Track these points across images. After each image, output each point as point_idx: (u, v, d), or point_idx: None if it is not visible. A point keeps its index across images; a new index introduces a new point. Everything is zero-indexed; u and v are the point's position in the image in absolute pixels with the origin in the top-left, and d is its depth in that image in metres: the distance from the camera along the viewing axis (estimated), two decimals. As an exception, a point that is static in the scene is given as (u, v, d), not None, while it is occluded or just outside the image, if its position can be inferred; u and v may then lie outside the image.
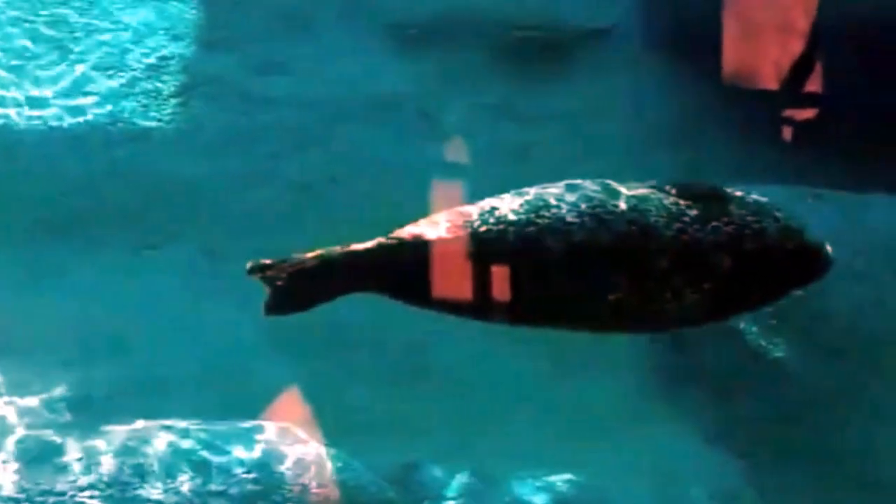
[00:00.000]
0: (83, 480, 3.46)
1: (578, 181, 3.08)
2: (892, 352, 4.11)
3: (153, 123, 4.63)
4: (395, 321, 4.00)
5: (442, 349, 4.08)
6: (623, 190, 3.04)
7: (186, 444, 3.55)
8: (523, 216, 2.96)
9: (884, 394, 4.04)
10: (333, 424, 3.74)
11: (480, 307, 3.00)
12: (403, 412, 3.88)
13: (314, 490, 3.57)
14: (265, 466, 3.57)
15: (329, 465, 3.64)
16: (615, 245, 2.92)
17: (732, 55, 4.80)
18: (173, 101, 4.68)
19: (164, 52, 4.80)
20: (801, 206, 4.21)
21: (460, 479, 3.72)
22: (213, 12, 4.94)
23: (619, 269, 2.93)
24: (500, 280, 2.96)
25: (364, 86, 4.76)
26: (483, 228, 2.96)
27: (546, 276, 2.94)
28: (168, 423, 3.62)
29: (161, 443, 3.55)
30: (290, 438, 3.65)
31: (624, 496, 3.77)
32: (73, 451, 3.54)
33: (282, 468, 3.58)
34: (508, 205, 2.99)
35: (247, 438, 3.62)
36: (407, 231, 3.03)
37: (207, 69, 4.78)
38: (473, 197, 4.37)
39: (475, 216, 2.99)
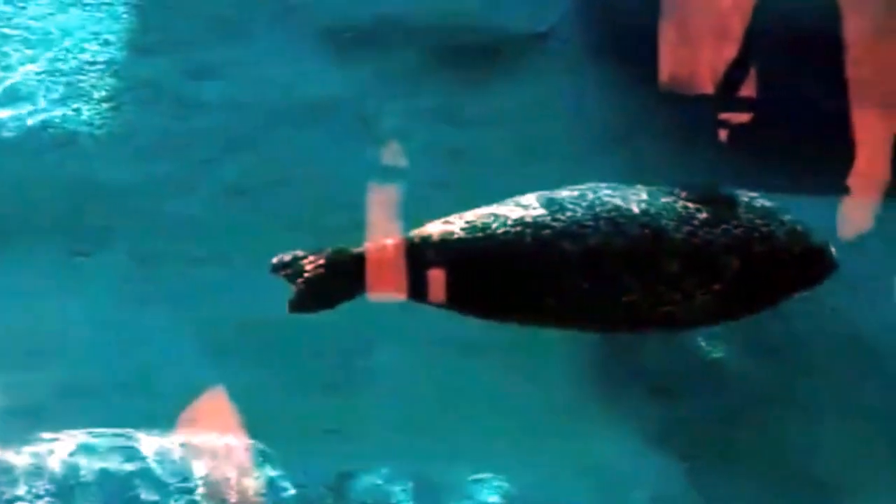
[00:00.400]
0: (8, 493, 3.38)
1: (593, 184, 3.15)
2: (830, 351, 4.14)
3: (84, 128, 4.55)
4: (335, 326, 3.96)
5: (383, 354, 4.03)
6: (635, 194, 3.10)
7: (116, 454, 3.47)
8: (540, 219, 2.99)
9: (823, 393, 4.07)
10: (271, 431, 3.69)
11: (497, 308, 3.05)
12: (343, 418, 3.84)
13: (251, 499, 3.51)
14: (199, 476, 3.51)
15: (267, 473, 3.58)
16: (628, 248, 2.97)
17: (670, 59, 4.82)
18: (105, 105, 4.61)
19: (96, 56, 4.73)
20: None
21: (400, 486, 3.68)
22: (145, 16, 4.87)
23: (631, 271, 2.97)
24: (517, 282, 2.99)
25: (300, 90, 4.71)
26: (501, 230, 2.99)
27: (561, 279, 2.97)
28: (97, 432, 3.54)
29: (90, 453, 3.48)
30: (227, 447, 3.59)
31: (565, 499, 3.75)
32: (-2, 462, 3.45)
33: (217, 477, 3.51)
34: (525, 207, 3.02)
35: (180, 448, 3.55)
36: (425, 231, 3.07)
37: (140, 73, 4.71)
38: (411, 201, 4.39)
39: (493, 218, 3.03)
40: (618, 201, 3.05)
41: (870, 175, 4.56)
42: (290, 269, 3.03)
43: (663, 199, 3.07)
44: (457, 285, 3.01)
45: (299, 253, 3.10)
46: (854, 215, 4.38)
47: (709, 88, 4.79)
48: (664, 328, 3.16)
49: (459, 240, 3.01)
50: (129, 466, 3.45)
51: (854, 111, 4.67)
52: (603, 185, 3.15)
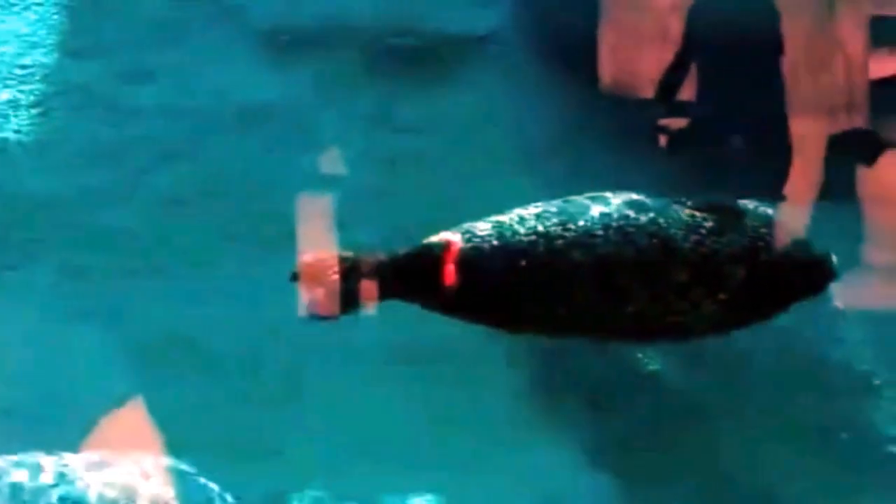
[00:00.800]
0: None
1: (601, 194, 3.21)
2: (767, 363, 4.16)
3: (12, 136, 4.45)
4: (268, 343, 3.92)
5: (320, 369, 3.99)
6: (643, 203, 3.17)
7: (44, 477, 3.40)
8: (552, 228, 3.04)
9: (762, 406, 4.09)
10: (202, 451, 3.63)
11: (508, 318, 3.12)
12: (275, 437, 3.80)
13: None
14: (129, 498, 3.45)
15: (196, 494, 3.53)
16: (637, 258, 3.02)
17: (610, 63, 4.81)
18: (33, 111, 4.51)
19: (25, 59, 4.62)
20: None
21: (338, 505, 3.67)
22: (76, 18, 4.77)
23: (640, 281, 3.03)
24: (529, 292, 3.04)
25: (236, 95, 4.64)
26: (515, 239, 3.04)
27: (572, 289, 3.02)
28: (25, 456, 3.47)
29: (16, 476, 3.40)
30: (156, 467, 3.53)
31: (503, 515, 3.75)
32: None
33: (146, 498, 3.46)
34: (536, 217, 3.07)
35: (109, 469, 3.49)
36: (441, 239, 3.14)
37: (70, 78, 4.61)
38: (348, 208, 4.34)
39: (507, 227, 3.08)
40: (626, 210, 3.05)
41: (806, 180, 4.58)
42: (311, 274, 3.05)
43: (670, 209, 3.08)
44: (469, 295, 3.05)
45: (321, 256, 3.11)
46: (790, 220, 4.40)
47: (649, 92, 4.80)
48: (671, 338, 3.24)
49: (474, 248, 3.02)
50: (58, 490, 3.38)
51: (791, 115, 4.69)
52: (610, 194, 3.19)
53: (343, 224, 4.23)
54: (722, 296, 3.06)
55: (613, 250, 3.01)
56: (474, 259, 3.00)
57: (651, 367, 4.12)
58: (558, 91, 4.79)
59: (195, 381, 3.89)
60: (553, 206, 3.11)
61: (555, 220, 3.06)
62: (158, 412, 3.66)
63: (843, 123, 4.74)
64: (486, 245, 3.02)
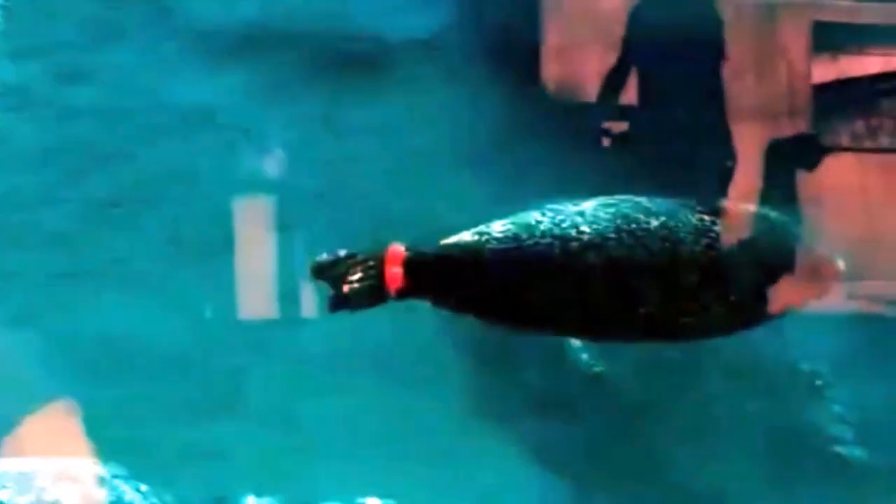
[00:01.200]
0: None
1: (612, 198, 3.23)
2: (715, 366, 4.16)
3: (-55, 137, 4.37)
4: (208, 348, 3.87)
5: (259, 373, 3.95)
6: (653, 207, 3.18)
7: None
8: (567, 231, 3.07)
9: (711, 407, 4.09)
10: (140, 457, 3.57)
11: (524, 318, 3.11)
12: (216, 442, 3.74)
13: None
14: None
15: (136, 500, 3.48)
16: (649, 261, 3.05)
17: (553, 67, 4.81)
18: (-31, 112, 4.43)
19: (-41, 60, 4.54)
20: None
21: (274, 510, 3.62)
22: (13, 17, 4.68)
23: (652, 283, 3.06)
24: (545, 293, 3.06)
25: (176, 97, 4.57)
26: (531, 242, 3.06)
27: (586, 290, 3.05)
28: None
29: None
30: (92, 474, 3.47)
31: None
32: None
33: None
34: (551, 220, 3.10)
35: (40, 477, 3.42)
36: (457, 241, 3.14)
37: (7, 78, 4.53)
38: (289, 211, 4.30)
39: (522, 229, 3.09)
40: (637, 214, 3.13)
41: (747, 182, 4.60)
42: (332, 271, 3.07)
43: (680, 213, 3.14)
44: (486, 294, 3.08)
45: (340, 254, 3.11)
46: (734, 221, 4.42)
47: (592, 95, 4.80)
48: (680, 339, 3.26)
49: (492, 250, 3.06)
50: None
51: (734, 119, 4.71)
52: (621, 197, 3.24)
53: (284, 227, 4.19)
54: (731, 298, 3.08)
55: (626, 253, 3.04)
56: (489, 260, 3.04)
57: (597, 370, 4.11)
58: (501, 94, 4.78)
59: (133, 384, 3.83)
60: (568, 207, 3.18)
61: (568, 222, 3.10)
62: (94, 416, 3.60)
63: (786, 127, 4.77)
64: (504, 246, 3.05)
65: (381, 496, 3.73)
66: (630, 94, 4.77)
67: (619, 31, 4.78)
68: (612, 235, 3.06)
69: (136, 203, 4.32)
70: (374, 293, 3.08)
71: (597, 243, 3.05)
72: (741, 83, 4.75)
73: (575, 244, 3.05)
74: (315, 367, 3.91)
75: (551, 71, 4.80)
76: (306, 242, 4.20)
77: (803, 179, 4.61)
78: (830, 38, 4.80)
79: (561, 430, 4.07)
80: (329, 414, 3.91)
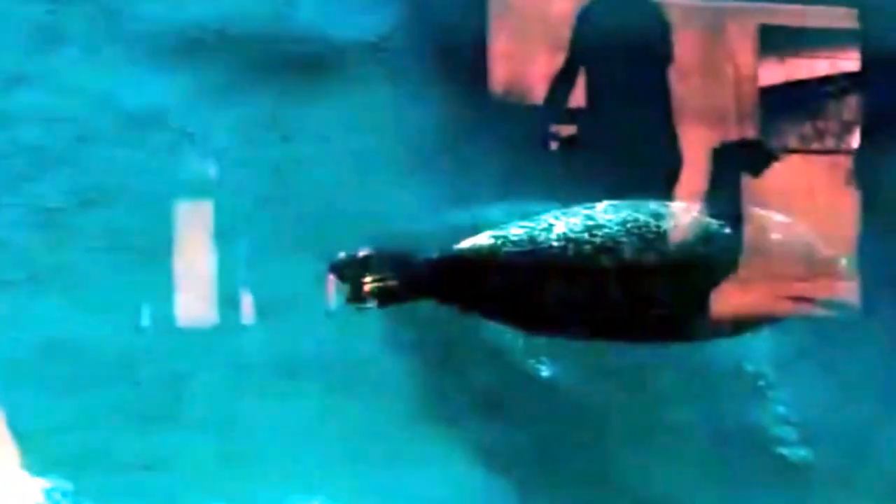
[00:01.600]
0: None
1: (624, 202, 3.39)
2: (661, 367, 4.17)
3: None
4: (148, 355, 3.82)
5: (198, 385, 3.90)
6: (664, 211, 3.34)
7: None
8: (580, 235, 3.18)
9: (655, 409, 4.10)
10: (79, 468, 3.52)
11: (537, 321, 3.23)
12: (156, 452, 3.70)
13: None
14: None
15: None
16: (660, 264, 3.15)
17: (501, 70, 4.80)
18: None
19: None
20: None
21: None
22: (-50, 21, 4.61)
23: (663, 286, 3.16)
24: (560, 295, 3.15)
25: (118, 101, 4.50)
26: (546, 245, 3.16)
27: (599, 293, 3.14)
28: None
29: None
30: (29, 484, 3.42)
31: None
32: None
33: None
34: (565, 223, 3.22)
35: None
36: (473, 244, 3.25)
37: (-55, 82, 4.46)
38: (234, 216, 4.25)
39: (537, 232, 3.21)
40: (648, 218, 3.25)
41: (694, 186, 4.62)
42: (350, 270, 3.19)
43: (689, 216, 3.26)
44: (501, 297, 3.17)
45: (360, 254, 3.26)
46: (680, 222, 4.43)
47: (540, 98, 4.79)
48: (692, 339, 3.41)
49: (507, 252, 3.14)
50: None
51: (681, 122, 4.72)
52: (633, 202, 3.30)
53: (228, 231, 4.15)
54: (743, 297, 3.24)
55: (637, 256, 3.15)
56: (505, 262, 3.01)
57: (544, 374, 4.11)
58: (448, 96, 4.76)
59: (72, 393, 3.78)
60: (582, 211, 3.22)
61: (581, 226, 3.14)
62: (31, 427, 3.55)
63: (733, 130, 4.78)
64: (520, 249, 3.03)
65: (324, 502, 3.71)
66: (578, 97, 4.77)
67: (566, 33, 4.78)
68: (623, 239, 3.10)
69: (78, 208, 4.26)
70: (393, 293, 3.13)
71: (609, 246, 3.12)
72: (688, 86, 4.77)
73: (588, 247, 3.13)
74: (256, 373, 3.87)
75: (499, 73, 4.79)
76: (250, 247, 4.16)
77: (749, 181, 4.63)
78: (777, 40, 4.83)
79: (506, 433, 4.06)
80: (271, 421, 3.88)
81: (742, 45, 4.82)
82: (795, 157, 4.73)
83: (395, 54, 4.81)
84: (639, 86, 4.75)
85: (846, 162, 4.59)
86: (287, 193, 4.35)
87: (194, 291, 4.01)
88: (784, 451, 4.03)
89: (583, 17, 4.75)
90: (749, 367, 4.15)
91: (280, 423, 3.88)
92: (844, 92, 4.72)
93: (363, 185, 4.43)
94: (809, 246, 3.33)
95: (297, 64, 4.66)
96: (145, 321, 3.92)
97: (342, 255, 3.21)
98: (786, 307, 3.29)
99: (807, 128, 4.82)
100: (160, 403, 3.84)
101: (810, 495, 3.96)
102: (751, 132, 4.79)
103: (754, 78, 4.82)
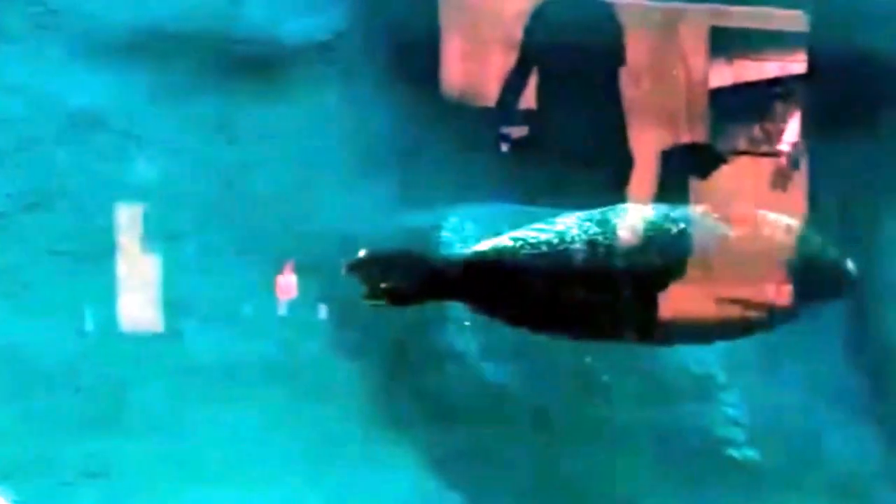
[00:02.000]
0: None
1: (633, 206, 3.40)
2: (612, 370, 4.16)
3: None
4: (91, 359, 3.77)
5: (145, 387, 3.85)
6: (672, 214, 3.33)
7: None
8: (593, 236, 3.22)
9: (606, 413, 4.10)
10: (21, 473, 3.46)
11: (554, 322, 3.24)
12: (100, 456, 3.65)
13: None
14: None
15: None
16: (669, 265, 3.19)
17: (453, 71, 4.77)
18: None
19: None
20: (511, 221, 4.25)
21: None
22: None
23: (677, 287, 3.19)
24: (573, 296, 3.21)
25: (63, 102, 4.43)
26: (562, 248, 3.20)
27: (613, 295, 3.19)
28: None
29: None
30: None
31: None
32: None
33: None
34: (580, 226, 3.26)
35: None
36: (492, 246, 3.27)
37: None
38: (182, 218, 4.20)
39: (554, 235, 3.24)
40: (657, 221, 3.26)
41: (645, 187, 4.62)
42: (369, 269, 3.18)
43: (700, 219, 3.28)
44: (519, 298, 3.19)
45: (379, 253, 3.25)
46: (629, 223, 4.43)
47: (492, 100, 4.78)
48: (700, 340, 3.44)
49: (522, 255, 3.20)
50: None
51: (632, 123, 4.73)
52: (642, 205, 3.38)
53: (173, 236, 4.10)
54: (749, 300, 3.21)
55: (647, 259, 3.18)
56: (523, 265, 3.14)
57: (497, 380, 4.09)
58: (400, 98, 4.73)
59: (14, 399, 3.72)
60: (594, 214, 3.29)
61: (596, 228, 3.21)
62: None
63: (683, 132, 4.79)
64: (535, 251, 3.17)
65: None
66: (529, 99, 4.76)
67: (519, 34, 4.77)
68: (635, 242, 3.19)
69: (20, 211, 4.18)
70: (408, 294, 3.19)
71: (619, 250, 3.17)
72: (640, 87, 4.77)
73: (602, 249, 3.18)
74: (202, 378, 3.82)
75: (451, 75, 4.77)
76: (196, 251, 4.11)
77: (698, 182, 4.64)
78: (728, 43, 4.84)
79: (459, 438, 4.05)
80: (217, 426, 3.83)
81: (693, 46, 4.83)
82: (744, 159, 4.75)
83: (346, 55, 4.77)
84: (590, 87, 4.75)
85: (793, 163, 4.61)
86: (234, 196, 4.30)
87: (139, 296, 3.95)
88: (732, 451, 4.05)
89: (535, 19, 4.74)
90: (699, 370, 4.15)
91: (226, 428, 3.84)
92: (793, 94, 4.75)
93: (313, 187, 4.39)
94: (818, 248, 3.41)
95: (245, 65, 4.60)
96: (88, 326, 3.86)
97: (362, 253, 3.17)
98: (798, 308, 3.38)
99: (756, 130, 4.84)
100: (104, 409, 3.78)
101: (758, 495, 3.98)
102: (701, 134, 4.80)
103: (705, 79, 4.83)
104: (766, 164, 4.74)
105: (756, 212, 3.43)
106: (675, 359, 4.15)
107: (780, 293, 3.28)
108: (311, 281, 4.16)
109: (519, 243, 3.21)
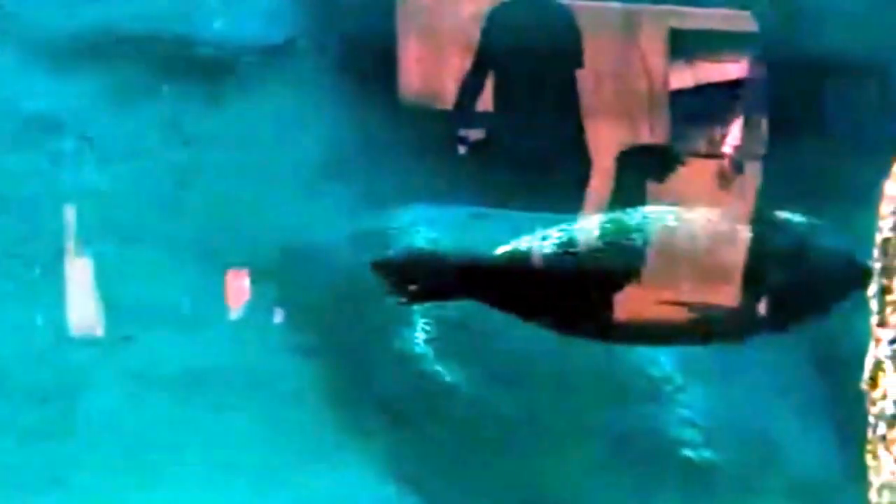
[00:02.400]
0: None
1: (657, 208, 3.40)
2: (570, 373, 4.15)
3: None
4: (41, 365, 3.73)
5: (95, 394, 3.81)
6: (689, 216, 3.34)
7: None
8: (617, 239, 3.23)
9: (562, 415, 4.09)
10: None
11: (572, 322, 3.27)
12: (54, 463, 3.60)
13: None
14: None
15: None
16: (689, 268, 3.22)
17: (410, 74, 4.75)
18: None
19: None
20: (468, 224, 4.24)
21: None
22: None
23: (696, 290, 3.22)
24: (597, 297, 3.23)
25: (16, 107, 4.40)
26: (584, 249, 3.21)
27: (634, 296, 3.20)
28: None
29: None
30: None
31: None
32: None
33: None
34: (602, 228, 3.28)
35: None
36: (515, 248, 3.26)
37: None
38: (137, 224, 4.16)
39: (576, 236, 3.26)
40: (675, 223, 3.28)
41: (602, 186, 4.61)
42: (395, 268, 3.25)
43: (713, 221, 3.29)
44: (541, 299, 3.23)
45: (405, 253, 3.39)
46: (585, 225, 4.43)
47: (449, 103, 4.76)
48: (724, 341, 3.42)
49: (548, 255, 3.19)
50: None
51: (590, 124, 4.72)
52: (659, 208, 3.37)
53: (126, 240, 4.07)
54: (765, 301, 3.24)
55: (665, 261, 3.22)
56: (546, 266, 3.18)
57: (449, 380, 4.07)
58: (356, 101, 4.71)
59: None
60: (617, 217, 3.32)
61: (619, 230, 3.25)
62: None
63: (643, 134, 4.79)
64: (561, 252, 3.19)
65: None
66: (487, 101, 4.74)
67: (475, 38, 4.75)
68: (654, 243, 3.21)
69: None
70: (433, 293, 3.22)
71: (641, 250, 3.19)
72: (599, 89, 4.76)
73: (625, 251, 3.18)
74: (154, 383, 3.79)
75: (407, 78, 4.75)
76: (149, 256, 4.08)
77: (656, 185, 4.63)
78: (688, 45, 4.84)
79: (413, 440, 4.03)
80: (171, 431, 3.80)
81: (653, 48, 4.83)
82: (703, 162, 4.75)
83: (301, 59, 4.75)
84: (549, 89, 4.74)
85: (736, 167, 4.62)
86: (188, 201, 4.27)
87: (92, 300, 3.92)
88: (689, 453, 4.04)
89: (492, 22, 4.72)
90: (656, 372, 4.15)
91: (179, 434, 3.81)
92: (751, 96, 4.75)
93: (267, 191, 4.36)
94: (832, 248, 3.43)
95: (198, 68, 4.57)
96: (39, 331, 3.82)
97: (390, 252, 3.33)
98: (815, 308, 3.41)
99: (716, 132, 4.84)
100: (56, 415, 3.74)
101: (714, 496, 3.97)
102: (661, 136, 4.80)
103: (665, 82, 4.83)
104: (711, 167, 4.75)
105: (772, 213, 3.49)
106: (631, 360, 4.15)
107: (801, 294, 3.32)
108: (267, 285, 4.14)
109: (538, 244, 3.26)
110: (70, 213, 4.08)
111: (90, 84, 4.45)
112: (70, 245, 3.95)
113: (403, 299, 3.19)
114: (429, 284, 3.20)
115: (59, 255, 3.99)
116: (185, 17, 4.61)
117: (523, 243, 3.25)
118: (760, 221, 3.37)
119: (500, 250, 3.27)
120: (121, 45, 4.54)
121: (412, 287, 3.17)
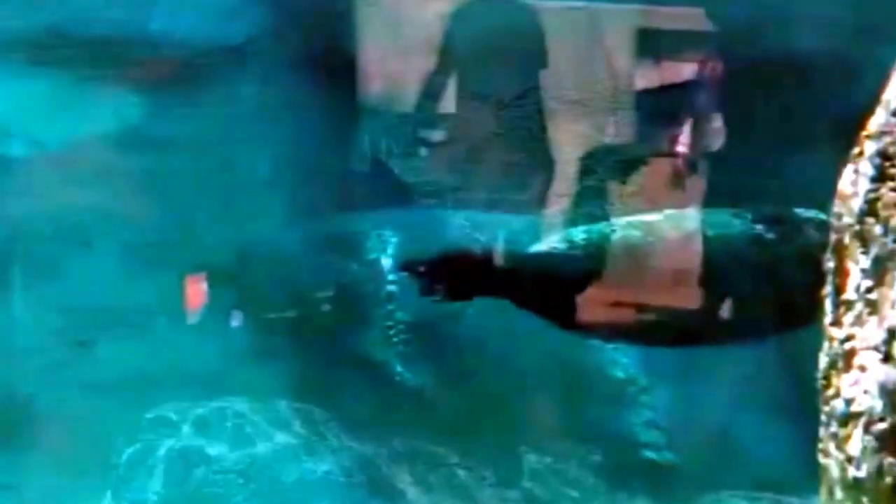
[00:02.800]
0: None
1: (673, 210, 3.48)
2: (528, 375, 4.13)
3: None
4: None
5: (52, 401, 3.75)
6: (710, 216, 3.41)
7: None
8: (635, 240, 3.29)
9: (520, 414, 4.07)
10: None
11: (595, 322, 3.33)
12: (8, 469, 3.55)
13: None
14: None
15: None
16: (707, 268, 3.22)
17: (372, 75, 4.72)
18: None
19: None
20: (430, 226, 4.22)
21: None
22: None
23: (711, 289, 3.23)
24: (617, 297, 3.28)
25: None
26: (605, 248, 3.28)
27: (654, 296, 3.28)
28: None
29: None
30: None
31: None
32: None
33: None
34: (622, 229, 3.35)
35: None
36: (539, 248, 3.36)
37: None
38: (93, 228, 4.10)
39: (599, 237, 3.33)
40: (694, 224, 3.36)
41: (566, 189, 4.59)
42: (423, 267, 3.33)
43: (735, 221, 3.36)
44: (564, 299, 3.28)
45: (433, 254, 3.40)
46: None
47: (410, 104, 4.73)
48: (741, 340, 3.50)
49: (571, 256, 3.27)
50: None
51: (555, 125, 4.69)
52: (680, 209, 3.47)
53: (82, 244, 4.01)
54: (787, 300, 3.21)
55: (685, 261, 3.25)
56: (569, 266, 3.19)
57: (413, 384, 4.05)
58: (317, 102, 4.67)
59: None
60: (635, 217, 3.36)
61: (636, 230, 3.29)
62: None
63: (608, 133, 4.77)
64: (584, 253, 3.26)
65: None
66: (448, 102, 4.71)
67: (437, 39, 4.72)
68: (675, 245, 3.26)
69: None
70: (463, 292, 3.29)
71: (660, 250, 3.25)
72: (564, 88, 4.74)
73: (642, 252, 3.26)
74: (110, 389, 3.73)
75: (368, 78, 4.71)
76: (106, 260, 4.03)
77: (618, 185, 4.61)
78: (653, 44, 4.82)
79: (379, 444, 4.00)
80: (127, 437, 3.75)
81: (618, 48, 4.81)
82: (666, 161, 4.73)
83: (261, 59, 4.70)
84: (512, 89, 4.72)
85: (690, 166, 4.61)
86: (145, 204, 4.21)
87: (47, 306, 3.87)
88: (652, 454, 4.03)
89: (453, 23, 4.69)
90: (620, 374, 4.13)
91: (136, 440, 3.75)
92: (705, 95, 4.74)
93: (226, 194, 4.32)
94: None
95: (156, 70, 4.51)
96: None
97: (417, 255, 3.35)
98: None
99: (681, 131, 4.82)
100: (11, 421, 3.69)
101: (676, 497, 3.96)
102: (625, 136, 4.78)
103: (630, 81, 4.81)
104: (665, 165, 4.73)
105: (791, 212, 3.51)
106: (595, 362, 4.13)
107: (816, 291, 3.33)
108: (225, 289, 4.09)
109: (564, 245, 3.26)
110: (23, 218, 4.02)
111: (43, 87, 4.39)
112: (21, 250, 3.88)
113: (437, 298, 3.20)
114: (461, 283, 3.22)
115: (12, 260, 3.92)
116: (142, 19, 4.55)
117: (547, 245, 3.30)
118: (781, 222, 3.41)
119: (533, 248, 3.32)
120: (74, 47, 4.47)
121: (439, 286, 3.20)
